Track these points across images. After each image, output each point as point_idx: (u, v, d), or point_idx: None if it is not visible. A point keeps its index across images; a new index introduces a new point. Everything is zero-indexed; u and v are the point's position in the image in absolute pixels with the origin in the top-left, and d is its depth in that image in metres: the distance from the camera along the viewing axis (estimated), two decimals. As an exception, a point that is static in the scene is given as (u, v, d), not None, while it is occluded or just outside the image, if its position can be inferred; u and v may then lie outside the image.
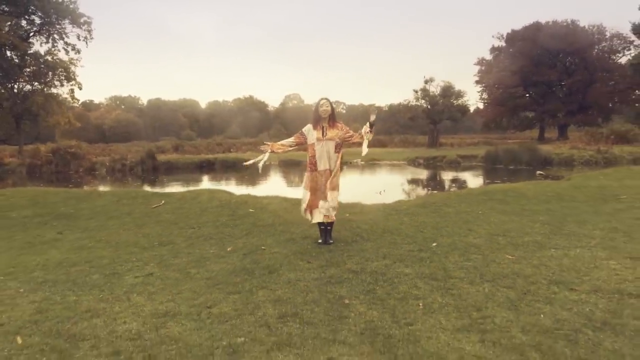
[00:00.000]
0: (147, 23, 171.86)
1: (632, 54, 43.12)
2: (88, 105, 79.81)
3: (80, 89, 33.91)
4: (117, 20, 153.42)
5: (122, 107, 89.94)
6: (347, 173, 20.23)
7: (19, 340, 2.98)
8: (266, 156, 5.33)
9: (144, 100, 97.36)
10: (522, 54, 46.55)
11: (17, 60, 30.97)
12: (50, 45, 32.23)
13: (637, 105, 47.21)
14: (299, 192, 5.62)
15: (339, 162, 5.25)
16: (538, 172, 16.41)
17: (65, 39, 32.52)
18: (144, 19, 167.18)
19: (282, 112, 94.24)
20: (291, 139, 5.33)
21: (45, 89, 32.18)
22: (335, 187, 5.20)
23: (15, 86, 31.61)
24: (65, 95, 33.84)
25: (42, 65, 31.66)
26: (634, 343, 2.72)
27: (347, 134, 5.19)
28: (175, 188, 15.47)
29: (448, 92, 40.13)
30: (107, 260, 4.98)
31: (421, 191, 14.53)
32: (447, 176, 19.50)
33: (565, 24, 48.39)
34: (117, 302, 3.63)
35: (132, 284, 4.12)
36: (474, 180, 17.78)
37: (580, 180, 9.88)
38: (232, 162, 26.32)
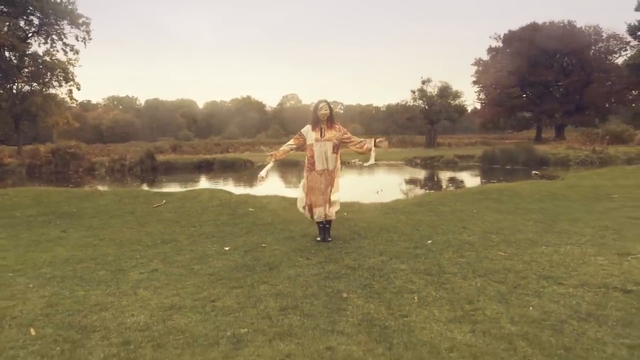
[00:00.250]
0: (145, 23, 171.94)
1: (629, 55, 43.39)
2: (85, 106, 79.83)
3: (79, 89, 34.02)
4: (115, 21, 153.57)
5: (120, 107, 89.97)
6: (345, 173, 20.38)
7: (33, 331, 3.12)
8: (270, 165, 5.50)
9: (141, 101, 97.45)
10: (519, 55, 46.77)
11: (15, 61, 31.06)
12: (49, 45, 32.37)
13: (633, 105, 47.55)
14: (298, 192, 5.77)
15: (338, 162, 5.41)
16: (534, 172, 16.59)
17: (64, 40, 32.64)
18: (142, 19, 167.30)
19: (279, 112, 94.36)
20: (291, 142, 5.49)
21: (43, 90, 32.29)
22: (337, 189, 5.38)
23: (14, 87, 31.69)
24: (63, 96, 33.99)
25: (41, 66, 31.76)
26: (616, 332, 2.88)
27: (345, 136, 5.36)
28: (175, 188, 15.61)
29: (445, 92, 40.30)
30: (112, 257, 5.12)
31: (418, 191, 14.69)
32: (443, 176, 19.69)
33: (562, 24, 48.67)
34: (124, 297, 3.77)
35: (137, 279, 4.26)
36: (470, 180, 17.97)
37: (574, 180, 10.07)
38: (230, 162, 26.50)
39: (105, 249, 5.56)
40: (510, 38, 50.37)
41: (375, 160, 5.43)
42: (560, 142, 32.92)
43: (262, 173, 5.54)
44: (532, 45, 46.57)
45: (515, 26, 52.17)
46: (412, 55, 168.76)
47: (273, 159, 5.45)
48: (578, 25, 48.61)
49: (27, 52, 31.69)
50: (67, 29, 32.51)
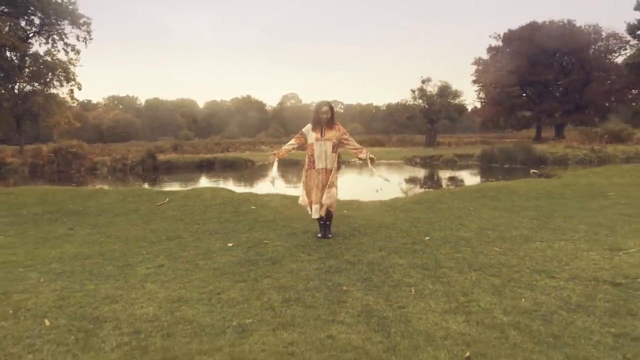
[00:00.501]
0: (145, 23, 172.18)
1: (628, 54, 43.53)
2: (86, 105, 79.98)
3: (80, 89, 34.20)
4: (115, 20, 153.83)
5: (120, 107, 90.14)
6: (345, 172, 20.54)
7: (47, 322, 3.27)
8: (275, 165, 5.65)
9: (141, 100, 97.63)
10: (519, 54, 46.94)
11: (17, 61, 31.22)
12: (49, 46, 32.53)
13: (633, 104, 47.69)
14: (299, 190, 5.93)
15: (336, 161, 5.57)
16: (532, 170, 16.74)
17: (65, 40, 32.81)
18: (142, 19, 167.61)
19: (280, 111, 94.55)
20: (292, 141, 5.64)
21: (45, 90, 32.44)
22: (332, 184, 5.52)
23: (16, 87, 31.84)
24: (63, 95, 34.15)
25: (42, 66, 31.92)
26: (603, 322, 3.03)
27: (344, 136, 5.53)
28: (177, 187, 15.76)
29: (445, 91, 40.44)
30: (119, 254, 5.27)
31: (417, 189, 14.84)
32: (442, 175, 19.84)
33: (561, 23, 48.85)
34: (133, 290, 3.92)
35: (144, 274, 4.41)
36: (469, 178, 18.13)
37: (571, 179, 10.22)
38: (231, 162, 26.66)
39: (111, 246, 5.71)
40: (510, 37, 50.52)
41: (373, 168, 5.59)
42: (560, 141, 33.06)
43: (273, 175, 5.71)
44: (531, 44, 46.74)
45: (515, 25, 52.31)
46: (412, 54, 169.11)
47: (276, 158, 5.60)
48: (578, 25, 48.89)
49: (29, 52, 31.86)
50: (68, 29, 32.73)
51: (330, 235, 5.57)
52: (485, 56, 53.18)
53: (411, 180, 18.20)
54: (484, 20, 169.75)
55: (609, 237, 5.24)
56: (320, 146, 5.45)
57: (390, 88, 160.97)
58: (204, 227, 6.58)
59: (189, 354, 2.72)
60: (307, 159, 5.58)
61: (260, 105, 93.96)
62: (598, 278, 3.84)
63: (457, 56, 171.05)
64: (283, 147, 5.73)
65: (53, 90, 33.06)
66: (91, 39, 33.36)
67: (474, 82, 53.46)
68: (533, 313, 3.20)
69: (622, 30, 44.20)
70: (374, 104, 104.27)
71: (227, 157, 28.51)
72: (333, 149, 5.49)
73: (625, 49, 46.44)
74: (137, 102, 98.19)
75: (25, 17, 31.99)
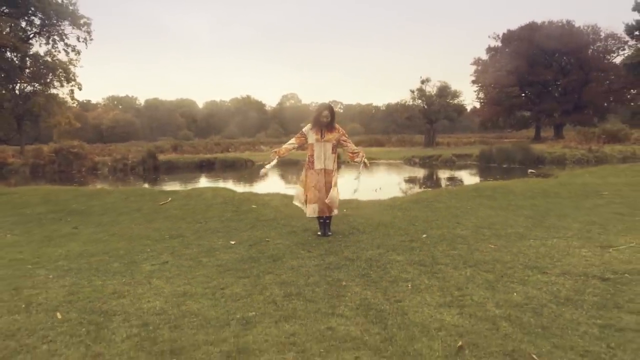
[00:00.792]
0: (144, 23, 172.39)
1: (626, 54, 43.71)
2: (85, 106, 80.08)
3: (80, 89, 34.37)
4: (114, 21, 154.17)
5: (120, 107, 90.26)
6: (344, 172, 20.67)
7: (59, 315, 3.41)
8: (274, 162, 5.80)
9: (141, 101, 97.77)
10: (518, 54, 47.10)
11: (17, 62, 31.35)
12: (50, 46, 32.66)
13: (632, 104, 47.87)
14: (295, 188, 6.09)
15: (335, 162, 5.72)
16: (530, 170, 16.89)
17: (65, 40, 32.94)
18: (140, 20, 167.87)
19: (279, 111, 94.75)
20: (293, 141, 5.78)
21: (45, 90, 32.57)
22: (334, 184, 5.68)
23: (17, 87, 31.97)
24: (63, 95, 34.28)
25: (42, 67, 32.05)
26: (590, 314, 3.17)
27: (343, 138, 5.69)
28: (178, 187, 15.89)
29: (444, 92, 40.61)
30: (124, 251, 5.41)
31: (415, 188, 14.98)
32: (441, 174, 19.99)
33: (560, 24, 49.03)
34: (139, 285, 4.06)
35: (150, 270, 4.55)
36: (467, 178, 18.26)
37: (567, 178, 10.37)
38: (231, 162, 26.79)
39: (116, 244, 5.85)
40: (509, 37, 50.69)
41: (362, 172, 5.87)
42: (558, 141, 33.23)
43: (264, 170, 5.85)
44: (531, 44, 46.92)
45: (514, 26, 52.47)
46: (411, 55, 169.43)
47: (277, 156, 5.74)
48: (576, 25, 49.05)
49: (29, 53, 31.98)
50: (68, 29, 32.86)
51: (329, 234, 5.71)
52: (484, 56, 53.43)
53: (410, 180, 18.34)
54: (483, 21, 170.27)
55: (601, 235, 5.39)
56: (320, 147, 5.60)
57: (389, 88, 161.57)
58: (206, 225, 6.72)
59: (196, 344, 2.86)
60: (307, 159, 5.72)
61: (259, 106, 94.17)
62: (588, 273, 3.98)
63: (456, 56, 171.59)
64: (283, 146, 5.87)
65: (53, 91, 33.27)
66: (91, 39, 33.56)
67: (473, 82, 53.66)
68: (524, 306, 3.34)
69: (620, 30, 44.44)
70: (374, 104, 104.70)
71: (227, 157, 28.66)
72: (332, 149, 5.64)
73: (624, 50, 46.65)
74: (137, 102, 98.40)
75: (26, 18, 32.13)
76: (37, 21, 32.44)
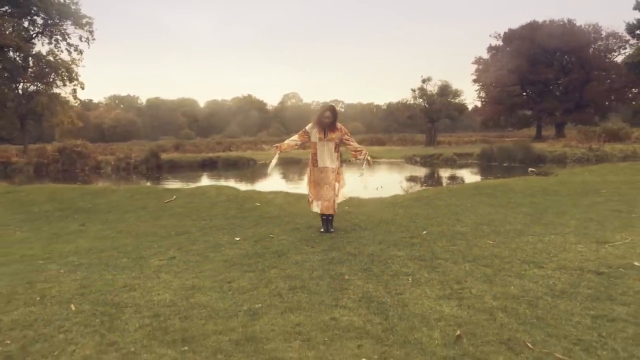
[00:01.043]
0: (145, 23, 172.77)
1: (628, 53, 43.78)
2: (87, 105, 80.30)
3: (83, 88, 34.59)
4: (115, 20, 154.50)
5: (121, 106, 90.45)
6: (346, 170, 20.79)
7: (73, 307, 3.54)
8: (276, 157, 5.93)
9: (142, 100, 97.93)
10: (519, 53, 47.20)
11: (20, 62, 31.53)
12: (52, 46, 32.84)
13: (633, 103, 47.93)
14: (302, 187, 6.23)
15: (338, 160, 5.86)
16: (530, 169, 16.99)
17: (68, 40, 33.11)
18: (142, 19, 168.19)
19: (280, 111, 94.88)
20: (296, 138, 5.92)
21: (47, 90, 32.74)
22: (341, 183, 5.84)
23: (20, 87, 32.16)
24: (65, 95, 34.46)
25: (45, 66, 32.22)
26: (584, 306, 3.30)
27: (345, 137, 5.82)
28: (181, 185, 16.03)
29: (445, 91, 40.71)
30: (132, 247, 5.55)
31: (416, 187, 15.11)
32: (442, 173, 20.12)
33: (562, 23, 49.13)
34: (149, 279, 4.20)
35: (158, 265, 4.69)
36: (467, 177, 18.38)
37: (566, 176, 10.48)
38: (234, 161, 26.93)
39: (123, 240, 5.99)
40: (510, 36, 50.79)
41: (365, 169, 6.00)
42: (559, 140, 33.32)
43: (270, 168, 6.01)
44: (532, 43, 47.00)
45: (515, 25, 52.48)
46: (413, 54, 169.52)
47: (278, 151, 5.87)
48: (578, 24, 49.16)
49: (32, 53, 32.15)
50: (70, 29, 33.03)
51: (332, 230, 5.85)
52: (485, 55, 53.53)
53: (411, 179, 18.47)
54: (483, 20, 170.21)
55: (598, 231, 5.51)
56: (323, 146, 5.74)
57: (391, 87, 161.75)
58: (211, 223, 6.85)
59: (205, 334, 3.00)
60: (310, 157, 5.86)
61: (261, 105, 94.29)
62: (583, 268, 4.10)
63: (457, 56, 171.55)
64: (286, 141, 6.01)
65: (56, 90, 33.47)
66: (94, 39, 33.77)
67: (475, 81, 53.81)
68: (520, 298, 3.47)
69: (621, 29, 44.49)
70: (375, 103, 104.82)
71: (229, 156, 28.81)
72: (335, 149, 5.78)
73: (625, 48, 46.77)
74: (138, 101, 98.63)
75: (29, 18, 32.33)
76: (39, 21, 32.71)
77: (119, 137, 64.89)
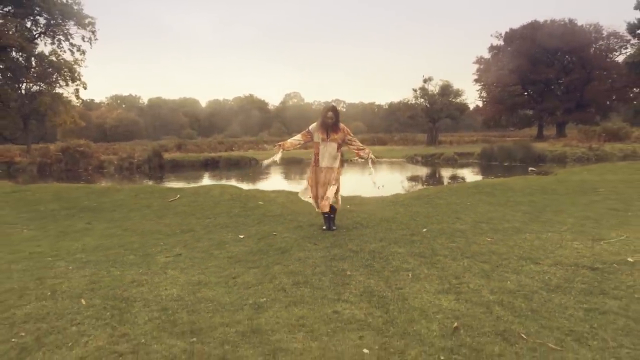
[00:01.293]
0: (147, 23, 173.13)
1: (629, 53, 43.79)
2: (89, 105, 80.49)
3: (85, 88, 34.70)
4: (117, 20, 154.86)
5: (123, 106, 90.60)
6: (348, 170, 20.91)
7: (83, 301, 3.67)
8: (279, 155, 6.05)
9: (144, 100, 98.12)
10: (520, 53, 47.25)
11: (23, 62, 31.67)
12: (55, 46, 32.97)
13: (635, 103, 47.93)
14: (302, 186, 6.36)
15: (339, 160, 5.98)
16: (530, 168, 17.09)
17: (71, 40, 33.24)
18: (143, 19, 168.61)
19: (282, 110, 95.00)
20: (299, 137, 6.04)
21: (50, 89, 32.88)
22: (336, 182, 5.93)
23: (23, 87, 32.31)
24: (67, 95, 34.59)
25: (48, 66, 32.35)
26: (577, 300, 3.41)
27: (348, 137, 5.94)
28: (185, 184, 16.15)
29: (447, 90, 40.83)
30: (138, 245, 5.67)
31: (417, 186, 15.22)
32: (442, 173, 20.21)
33: (563, 22, 49.12)
34: (156, 275, 4.32)
35: (164, 262, 4.81)
36: (468, 176, 18.48)
37: (565, 175, 10.59)
38: (236, 161, 27.04)
39: (129, 238, 6.11)
40: (511, 36, 50.82)
41: (372, 168, 6.16)
42: (560, 140, 33.40)
43: (268, 161, 6.14)
44: (533, 43, 47.05)
45: (516, 24, 52.58)
46: (414, 54, 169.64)
47: (281, 150, 5.99)
48: (579, 24, 49.12)
49: (34, 53, 32.29)
50: (73, 29, 33.12)
51: (334, 228, 5.97)
52: (487, 55, 53.55)
53: (412, 178, 18.58)
54: (484, 20, 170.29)
55: (594, 229, 5.62)
56: (325, 147, 5.86)
57: (391, 87, 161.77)
58: (215, 221, 6.97)
59: (213, 326, 3.12)
60: (312, 157, 5.98)
61: (262, 104, 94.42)
62: (578, 264, 4.22)
63: (458, 56, 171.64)
64: (289, 140, 6.13)
65: (59, 90, 33.58)
66: (96, 39, 33.84)
67: (476, 81, 53.82)
68: (516, 292, 3.59)
69: (622, 29, 44.52)
70: (376, 103, 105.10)
71: (231, 155, 28.92)
72: (337, 149, 5.90)
73: (626, 48, 46.76)
74: (140, 101, 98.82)
75: (31, 18, 32.43)
76: (42, 21, 32.79)
77: (121, 137, 65.09)
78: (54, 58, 32.69)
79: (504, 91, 50.80)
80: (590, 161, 20.84)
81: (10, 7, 30.56)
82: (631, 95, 48.71)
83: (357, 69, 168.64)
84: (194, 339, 2.93)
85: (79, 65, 33.61)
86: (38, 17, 32.49)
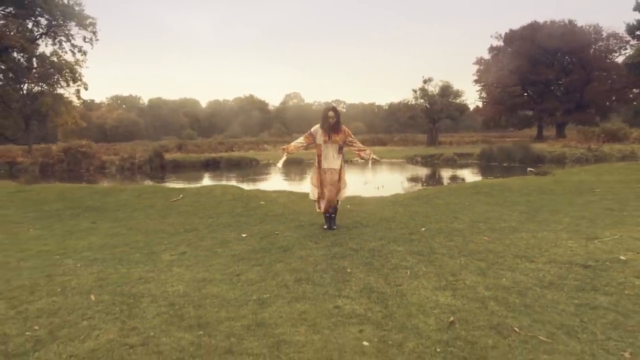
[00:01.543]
0: (147, 23, 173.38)
1: (628, 54, 43.93)
2: (89, 105, 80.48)
3: (86, 89, 34.86)
4: (117, 21, 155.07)
5: (123, 106, 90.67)
6: (347, 170, 21.05)
7: (93, 297, 3.80)
8: (283, 158, 6.22)
9: (144, 100, 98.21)
10: (520, 54, 47.40)
11: (24, 62, 31.82)
12: (57, 47, 33.13)
13: (634, 103, 48.07)
14: (306, 187, 6.50)
15: (341, 161, 6.12)
16: (529, 169, 17.20)
17: (72, 41, 33.40)
18: (143, 20, 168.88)
19: (282, 111, 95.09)
20: (301, 140, 6.17)
21: (51, 90, 33.02)
22: (345, 184, 6.13)
23: (24, 87, 32.47)
24: (68, 95, 34.74)
25: (49, 67, 32.50)
26: (570, 295, 3.54)
27: (349, 138, 6.08)
28: (186, 185, 16.29)
29: (446, 91, 40.99)
30: (143, 243, 5.80)
31: (416, 186, 15.35)
32: (442, 173, 20.35)
33: (562, 23, 49.29)
34: (162, 273, 4.45)
35: (169, 260, 4.94)
36: (467, 177, 18.61)
37: (563, 176, 10.72)
38: (236, 161, 27.20)
39: (134, 237, 6.24)
40: (511, 37, 50.98)
41: (371, 166, 6.39)
42: (559, 140, 33.53)
43: (279, 164, 6.35)
44: (533, 44, 47.21)
45: (516, 25, 52.73)
46: (414, 54, 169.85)
47: (286, 153, 6.14)
48: (578, 25, 49.28)
49: (36, 53, 32.45)
50: (74, 30, 33.29)
51: (335, 227, 6.10)
52: (486, 56, 53.72)
53: (411, 178, 18.72)
54: (484, 21, 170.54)
55: (589, 228, 5.75)
56: (327, 148, 6.00)
57: (391, 87, 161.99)
58: (218, 220, 7.11)
59: (219, 320, 3.25)
60: (316, 158, 6.12)
61: (262, 105, 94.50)
62: (572, 262, 4.35)
63: (458, 56, 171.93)
64: (292, 144, 6.27)
65: (60, 91, 33.75)
66: (97, 39, 34.04)
67: (476, 81, 54.02)
68: (511, 289, 3.72)
69: (622, 30, 44.68)
70: (377, 104, 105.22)
71: (232, 156, 29.09)
72: (339, 150, 6.03)
73: (626, 49, 46.95)
74: (140, 101, 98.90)
75: (33, 19, 32.60)
76: (43, 22, 32.98)
77: (122, 137, 65.16)
78: (55, 59, 32.89)
79: (504, 92, 50.95)
80: (589, 162, 20.97)
81: (11, 8, 30.73)
82: (631, 96, 48.88)
83: (357, 69, 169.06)
84: (201, 332, 3.06)
85: (80, 65, 33.84)
86: (39, 18, 32.71)
